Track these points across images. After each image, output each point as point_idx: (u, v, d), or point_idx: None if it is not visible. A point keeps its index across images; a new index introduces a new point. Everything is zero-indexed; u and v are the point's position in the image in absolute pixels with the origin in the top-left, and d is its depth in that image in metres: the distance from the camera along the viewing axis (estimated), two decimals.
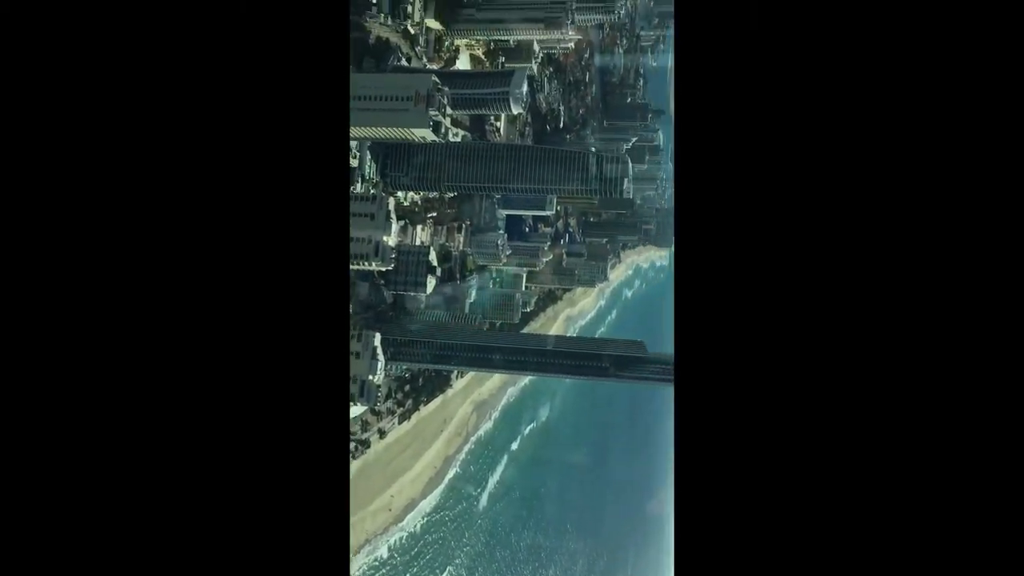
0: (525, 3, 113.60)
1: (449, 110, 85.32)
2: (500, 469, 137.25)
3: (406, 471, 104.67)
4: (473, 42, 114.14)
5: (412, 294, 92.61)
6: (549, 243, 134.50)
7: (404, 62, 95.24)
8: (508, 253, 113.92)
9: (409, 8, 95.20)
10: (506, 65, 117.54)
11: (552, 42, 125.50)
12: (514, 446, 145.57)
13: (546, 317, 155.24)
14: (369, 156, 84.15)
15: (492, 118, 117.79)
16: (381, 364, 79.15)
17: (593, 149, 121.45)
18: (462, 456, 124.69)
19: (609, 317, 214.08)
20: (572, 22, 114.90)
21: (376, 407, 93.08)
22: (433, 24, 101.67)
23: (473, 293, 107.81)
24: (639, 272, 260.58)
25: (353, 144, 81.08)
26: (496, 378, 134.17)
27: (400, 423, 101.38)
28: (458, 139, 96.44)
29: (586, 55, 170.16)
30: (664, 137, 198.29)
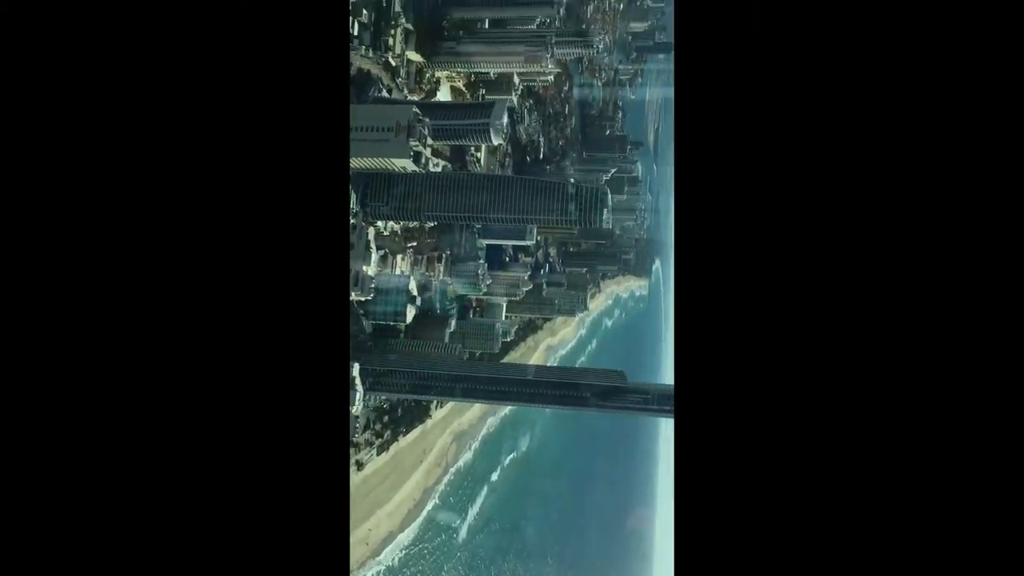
0: (505, 37, 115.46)
1: (430, 141, 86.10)
2: (480, 500, 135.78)
3: (384, 503, 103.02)
4: (454, 74, 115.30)
5: (391, 324, 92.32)
6: (529, 273, 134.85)
7: (385, 93, 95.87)
8: (488, 283, 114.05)
9: (390, 40, 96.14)
10: (486, 97, 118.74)
11: (532, 75, 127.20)
12: (494, 476, 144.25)
13: (526, 347, 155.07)
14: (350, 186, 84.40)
15: (472, 149, 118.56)
16: (360, 394, 78.77)
17: (572, 180, 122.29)
18: (441, 487, 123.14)
19: (589, 347, 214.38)
20: (552, 55, 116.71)
21: (354, 438, 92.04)
22: (414, 56, 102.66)
23: (453, 323, 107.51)
24: (619, 302, 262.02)
25: None
26: (476, 408, 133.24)
27: (379, 454, 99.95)
28: (439, 169, 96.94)
29: (565, 88, 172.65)
30: (643, 168, 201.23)
